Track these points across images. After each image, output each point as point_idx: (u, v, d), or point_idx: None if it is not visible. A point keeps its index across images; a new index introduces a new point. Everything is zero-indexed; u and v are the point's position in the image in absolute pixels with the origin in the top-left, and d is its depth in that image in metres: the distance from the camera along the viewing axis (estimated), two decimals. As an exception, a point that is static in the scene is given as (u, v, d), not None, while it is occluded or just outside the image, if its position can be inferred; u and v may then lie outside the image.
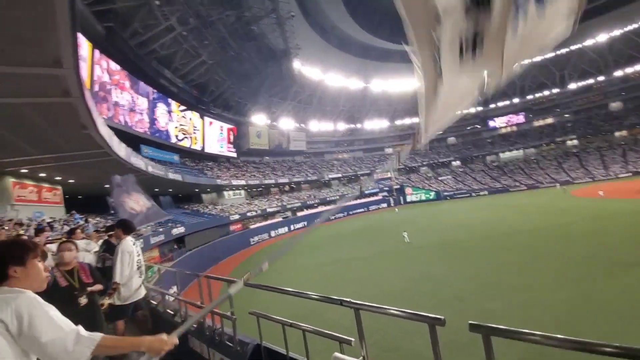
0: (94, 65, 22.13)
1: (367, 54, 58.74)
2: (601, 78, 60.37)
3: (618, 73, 58.35)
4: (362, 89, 63.75)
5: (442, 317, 1.59)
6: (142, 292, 4.15)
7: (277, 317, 2.77)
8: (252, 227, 38.95)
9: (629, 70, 57.26)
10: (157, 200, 30.43)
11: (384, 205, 59.56)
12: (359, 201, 58.16)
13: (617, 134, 58.23)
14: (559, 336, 1.19)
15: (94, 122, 10.36)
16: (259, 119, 51.33)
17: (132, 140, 26.03)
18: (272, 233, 40.33)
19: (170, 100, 33.29)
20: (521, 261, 15.80)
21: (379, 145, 75.73)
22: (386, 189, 63.69)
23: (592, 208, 27.76)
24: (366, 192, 62.01)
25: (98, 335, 1.49)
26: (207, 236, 29.59)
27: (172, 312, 4.35)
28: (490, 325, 1.37)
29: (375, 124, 73.57)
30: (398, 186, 64.11)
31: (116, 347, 1.60)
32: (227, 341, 3.35)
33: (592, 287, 11.47)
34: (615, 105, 61.03)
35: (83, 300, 3.10)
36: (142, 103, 28.90)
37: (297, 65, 45.88)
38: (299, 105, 59.68)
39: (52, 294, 2.68)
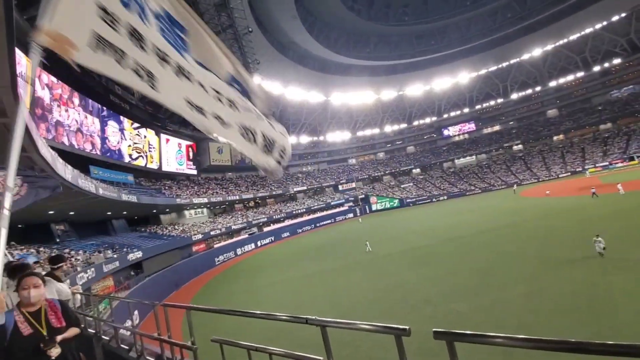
0: (34, 84, 20.49)
1: (326, 68, 60.28)
2: (538, 88, 66.79)
3: (552, 83, 64.98)
4: (322, 102, 64.96)
5: (407, 327, 1.58)
6: None
7: (242, 342, 2.61)
8: (216, 246, 37.48)
9: (562, 80, 64.06)
10: (111, 224, 28.38)
11: (351, 215, 60.30)
12: (325, 213, 58.39)
13: (555, 138, 64.34)
14: (519, 336, 1.22)
15: (34, 143, 9.48)
16: (219, 135, 50.22)
17: (81, 161, 24.15)
18: (239, 251, 39.10)
19: (122, 117, 31.53)
20: (481, 262, 16.65)
21: (342, 157, 77.12)
22: (351, 199, 64.65)
23: (540, 207, 30.13)
24: (332, 203, 62.49)
25: None
26: (167, 259, 27.94)
27: (126, 347, 3.97)
28: (453, 331, 1.37)
29: (338, 136, 75.02)
30: (363, 195, 65.38)
31: None
32: (189, 373, 3.10)
33: (544, 283, 12.33)
34: (551, 112, 67.68)
35: (54, 352, 2.33)
36: (91, 121, 27.05)
37: (257, 79, 45.82)
38: (260, 119, 59.34)
39: (11, 346, 2.19)
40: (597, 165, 52.01)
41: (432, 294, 13.58)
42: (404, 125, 77.26)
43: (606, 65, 59.31)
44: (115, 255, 21.40)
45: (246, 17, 34.72)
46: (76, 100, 24.66)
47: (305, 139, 70.71)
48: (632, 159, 49.35)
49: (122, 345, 4.13)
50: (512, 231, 22.25)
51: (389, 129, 77.28)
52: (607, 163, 51.39)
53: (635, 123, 55.50)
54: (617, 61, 58.38)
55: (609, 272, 11.93)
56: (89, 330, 5.27)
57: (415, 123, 77.00)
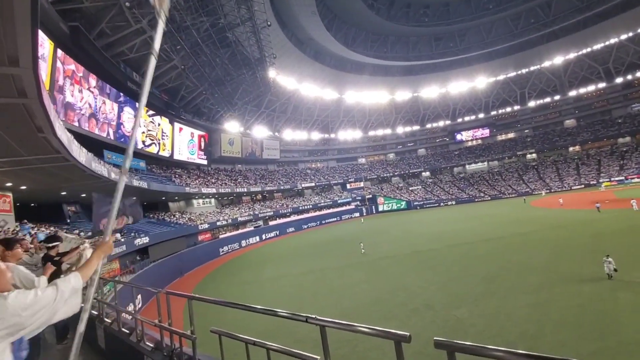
0: (55, 66, 20.84)
1: (342, 66, 59.86)
2: (557, 97, 65.22)
3: (572, 93, 63.36)
4: (336, 100, 64.69)
5: (408, 334, 1.56)
6: None
7: (241, 335, 2.63)
8: (221, 236, 37.88)
9: (582, 90, 62.38)
10: (121, 209, 28.84)
11: (357, 214, 60.18)
12: (331, 210, 58.40)
13: (571, 149, 62.88)
14: (521, 352, 1.19)
15: (51, 125, 9.68)
16: (231, 127, 50.54)
17: (95, 145, 24.59)
18: (243, 243, 39.45)
19: (137, 104, 32.03)
20: (486, 270, 16.42)
21: (352, 155, 76.86)
22: (359, 198, 64.46)
23: (550, 218, 29.55)
24: (339, 201, 62.41)
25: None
26: (173, 246, 28.36)
27: (127, 331, 4.04)
28: (454, 342, 1.36)
29: (349, 134, 74.74)
30: (370, 195, 65.12)
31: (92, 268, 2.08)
32: (187, 361, 3.14)
33: (550, 295, 12.11)
34: (569, 122, 66.07)
35: None
36: (108, 107, 27.52)
37: (272, 74, 45.82)
38: (273, 113, 59.51)
39: None
40: (612, 179, 50.70)
41: (434, 299, 13.48)
42: (416, 127, 76.49)
43: (629, 77, 57.51)
44: (122, 239, 21.80)
45: (265, 11, 34.57)
46: (92, 81, 24.96)
47: (316, 135, 70.63)
48: (650, 175, 47.97)
49: (123, 329, 4.20)
50: (519, 241, 21.89)
51: (401, 130, 76.64)
52: (622, 178, 50.06)
53: (656, 139, 53.88)
54: (641, 74, 56.61)
55: (616, 288, 11.65)
56: (92, 311, 5.39)
57: (428, 126, 76.14)
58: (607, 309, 10.36)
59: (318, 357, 2.01)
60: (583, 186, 52.74)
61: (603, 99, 61.92)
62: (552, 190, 54.47)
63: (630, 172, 50.61)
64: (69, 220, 22.23)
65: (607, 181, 50.31)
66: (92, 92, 25.10)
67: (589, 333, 9.13)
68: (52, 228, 17.32)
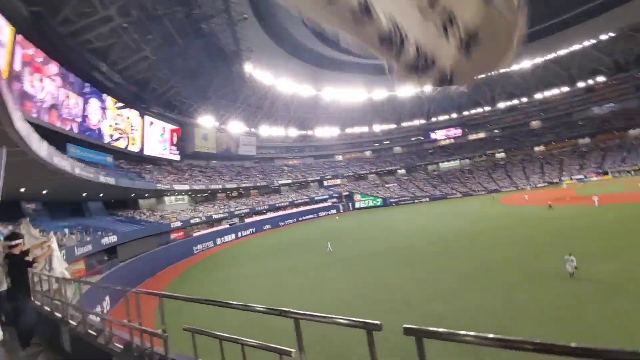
0: (14, 53, 19.42)
1: (320, 63, 59.80)
2: (524, 99, 68.52)
3: (538, 96, 66.80)
4: (314, 96, 64.59)
5: (379, 322, 1.59)
6: None
7: (214, 332, 2.57)
8: (195, 234, 36.97)
9: (547, 93, 65.94)
10: (86, 206, 27.49)
11: (334, 211, 60.58)
12: (308, 207, 58.45)
13: (536, 148, 66.38)
14: (488, 335, 1.24)
15: (8, 115, 9.04)
16: (206, 121, 49.28)
17: (58, 138, 23.23)
18: (218, 240, 38.71)
19: (104, 95, 30.43)
20: (460, 265, 17.05)
21: (329, 152, 77.17)
22: (335, 195, 64.90)
23: (518, 214, 31.07)
24: (316, 198, 62.56)
25: None
26: (143, 245, 27.33)
27: (94, 334, 3.85)
28: (423, 328, 1.39)
29: (326, 132, 74.94)
30: (347, 193, 65.72)
31: None
32: (158, 361, 3.03)
33: (518, 289, 12.74)
34: (535, 123, 69.68)
35: None
36: (72, 100, 25.98)
37: (248, 68, 45.06)
38: (249, 109, 58.56)
39: None
40: (573, 177, 54.04)
41: (412, 295, 13.82)
42: (392, 126, 77.89)
43: (590, 82, 61.38)
44: (88, 239, 20.78)
45: (242, 3, 33.96)
46: (54, 68, 23.46)
47: (293, 132, 70.28)
48: (606, 173, 51.54)
49: (89, 331, 4.00)
50: (489, 236, 22.87)
51: (377, 128, 77.77)
52: (582, 176, 53.47)
53: (612, 140, 57.90)
54: (601, 79, 60.50)
55: (578, 283, 12.42)
56: (56, 314, 5.10)
57: (404, 124, 77.74)
58: (572, 301, 11.04)
59: (293, 350, 2.01)
60: (547, 184, 55.83)
61: (566, 102, 65.73)
62: (536, 186, 56.65)
63: (589, 170, 54.17)
64: (28, 219, 20.85)
65: (568, 179, 53.57)
66: (54, 81, 23.58)
67: (555, 322, 9.73)
68: (9, 227, 16.22)
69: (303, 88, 60.45)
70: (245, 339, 2.27)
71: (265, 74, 52.08)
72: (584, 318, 9.74)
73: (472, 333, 1.30)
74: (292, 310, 1.96)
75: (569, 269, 12.89)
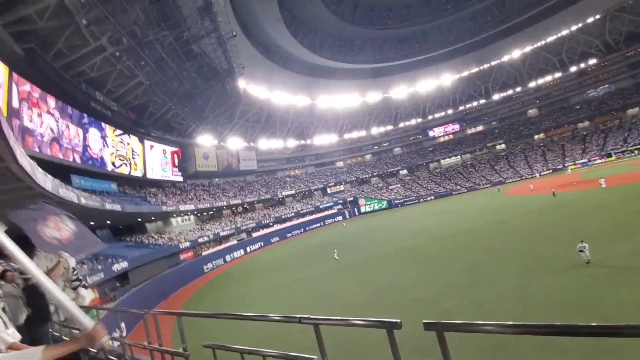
0: (11, 91, 19.77)
1: (312, 72, 60.40)
2: (518, 89, 68.64)
3: (532, 84, 66.88)
4: (309, 106, 65.04)
5: (398, 320, 1.61)
6: None
7: (235, 346, 2.59)
8: (204, 253, 36.93)
9: (541, 81, 66.02)
10: (95, 234, 27.53)
11: (340, 217, 60.39)
12: (314, 216, 58.32)
13: (536, 137, 66.18)
14: (506, 323, 1.25)
15: (12, 152, 9.21)
16: (205, 140, 49.65)
17: (61, 170, 23.47)
18: (228, 257, 38.63)
19: (104, 124, 30.81)
20: (469, 260, 16.92)
21: (329, 160, 77.31)
22: (340, 201, 64.78)
23: (523, 204, 30.85)
24: (321, 206, 62.48)
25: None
26: (154, 269, 27.33)
27: (114, 359, 3.86)
28: (442, 321, 1.41)
29: (325, 139, 75.20)
30: (351, 198, 65.61)
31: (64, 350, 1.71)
32: (181, 381, 3.04)
33: (529, 279, 12.62)
34: (532, 112, 69.63)
35: None
36: (72, 131, 26.32)
37: (242, 84, 45.50)
38: (246, 124, 59.00)
39: None
40: (576, 162, 53.71)
41: (423, 294, 13.71)
42: (390, 127, 78.09)
43: (582, 65, 61.46)
44: (99, 266, 20.82)
45: (230, 22, 34.45)
46: (51, 102, 23.80)
47: (292, 142, 70.59)
48: (609, 155, 51.20)
49: (110, 357, 4.01)
50: (497, 229, 22.71)
51: (375, 131, 77.98)
52: (586, 160, 53.15)
53: (611, 121, 57.69)
54: (592, 61, 60.58)
55: (592, 265, 12.29)
56: (74, 343, 5.10)
57: (401, 125, 77.93)
58: (586, 285, 10.90)
59: (315, 357, 2.02)
60: (551, 171, 55.50)
61: (560, 88, 65.76)
62: (541, 174, 56.32)
63: (592, 154, 53.85)
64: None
65: (572, 164, 53.22)
66: (52, 115, 23.92)
67: (572, 308, 9.59)
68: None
69: (298, 98, 60.92)
70: (266, 350, 2.28)
71: (259, 89, 52.60)
72: (600, 299, 9.61)
73: (491, 322, 1.32)
74: (310, 316, 1.97)
75: (583, 257, 12.44)
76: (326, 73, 62.17)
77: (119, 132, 33.10)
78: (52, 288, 1.87)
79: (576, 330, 1.11)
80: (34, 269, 1.87)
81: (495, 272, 14.23)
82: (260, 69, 49.87)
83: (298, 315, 2.04)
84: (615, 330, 1.07)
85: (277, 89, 55.68)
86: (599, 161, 51.34)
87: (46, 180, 13.69)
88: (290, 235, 50.37)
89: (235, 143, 56.89)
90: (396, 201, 63.22)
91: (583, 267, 12.32)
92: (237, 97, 45.40)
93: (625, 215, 18.04)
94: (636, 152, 48.36)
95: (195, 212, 43.29)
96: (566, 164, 54.05)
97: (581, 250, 12.50)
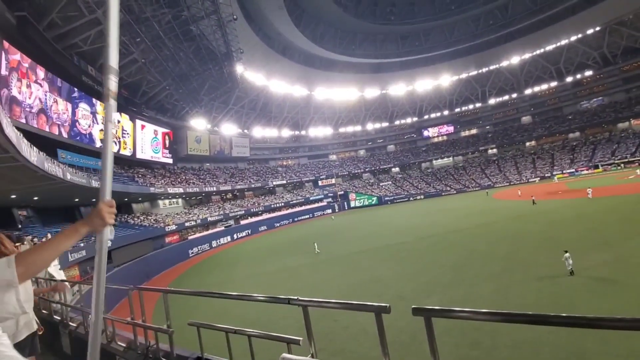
0: (0, 59, 19.11)
1: (311, 62, 59.84)
2: (514, 95, 69.36)
3: (528, 91, 67.66)
4: (306, 96, 64.61)
5: (387, 305, 1.66)
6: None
7: (220, 325, 2.61)
8: (190, 237, 36.75)
9: (537, 88, 66.80)
10: (79, 211, 27.18)
11: (329, 210, 60.66)
12: (304, 207, 58.45)
13: (527, 144, 67.21)
14: (485, 310, 1.31)
15: (-3, 121, 8.96)
16: (198, 124, 48.97)
17: (48, 144, 22.93)
18: (214, 243, 38.54)
19: (94, 100, 30.09)
20: (452, 260, 17.25)
21: (323, 152, 77.25)
22: (331, 194, 64.99)
23: (511, 209, 31.44)
24: (311, 198, 62.60)
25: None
26: (138, 250, 27.12)
27: (96, 333, 3.85)
28: (430, 307, 1.47)
29: (320, 131, 74.99)
30: (342, 192, 65.86)
31: (47, 250, 1.44)
32: (163, 357, 3.05)
33: (510, 282, 12.94)
34: (525, 119, 70.54)
35: None
36: (61, 106, 25.64)
37: (239, 69, 44.86)
38: (242, 110, 58.37)
39: None
40: (564, 171, 54.83)
41: (406, 290, 13.96)
42: (385, 124, 78.24)
43: (578, 76, 62.31)
44: (82, 244, 20.57)
45: (231, 4, 33.71)
46: (40, 73, 23.13)
47: (286, 132, 70.22)
48: (597, 167, 52.39)
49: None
50: (483, 231, 23.13)
51: (370, 127, 78.06)
52: (573, 170, 54.30)
53: (601, 133, 58.90)
54: (588, 73, 61.42)
55: (568, 273, 12.65)
56: (55, 317, 5.08)
57: (397, 122, 78.16)
58: (562, 291, 11.25)
59: (300, 339, 2.06)
60: (539, 179, 56.58)
61: (555, 97, 66.66)
62: (529, 180, 57.65)
63: (580, 164, 55.02)
64: (20, 226, 20.61)
65: (559, 173, 54.34)
66: (41, 86, 23.24)
67: (547, 311, 9.89)
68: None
69: (295, 88, 60.43)
70: (251, 330, 2.31)
71: (257, 75, 51.96)
72: (575, 305, 9.95)
73: (468, 309, 1.38)
74: (299, 298, 2.00)
75: (568, 267, 12.42)
76: (325, 65, 61.69)
77: (110, 109, 32.39)
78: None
79: (548, 319, 1.17)
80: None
81: (477, 273, 14.55)
82: (259, 55, 49.20)
83: (287, 297, 2.07)
84: (585, 322, 1.13)
85: (275, 77, 55.10)
86: (585, 172, 52.52)
87: (31, 153, 13.37)
88: (278, 225, 50.45)
89: (229, 129, 56.31)
90: (386, 198, 63.73)
91: (561, 274, 12.67)
92: (234, 82, 44.81)
93: (607, 226, 18.58)
94: (622, 165, 49.60)
95: (184, 196, 42.94)
96: (554, 173, 55.15)
97: (567, 260, 12.49)
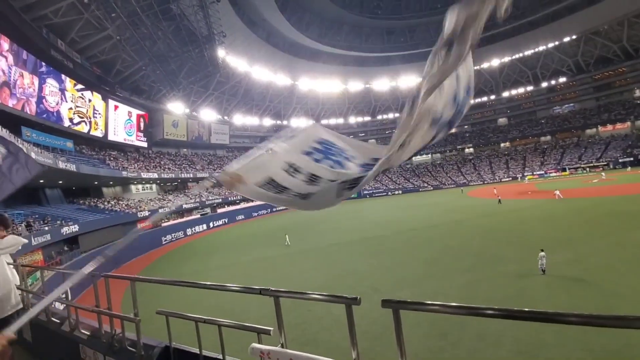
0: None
1: (296, 51, 58.98)
2: (493, 97, 71.45)
3: (505, 94, 69.84)
4: (289, 86, 63.82)
5: (358, 297, 1.67)
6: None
7: (190, 315, 2.56)
8: (164, 224, 35.80)
9: (514, 92, 69.07)
10: (44, 194, 25.82)
11: (307, 202, 60.64)
12: (282, 198, 58.15)
13: (502, 145, 69.72)
14: (453, 304, 1.34)
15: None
16: (176, 107, 47.34)
17: (11, 121, 21.54)
18: (189, 231, 37.78)
19: (63, 76, 28.37)
20: (428, 254, 17.77)
21: (304, 143, 76.78)
22: (310, 186, 64.93)
23: (483, 207, 32.65)
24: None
25: None
26: (107, 236, 26.12)
27: (57, 321, 3.69)
28: (398, 300, 1.49)
29: (302, 122, 74.35)
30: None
31: None
32: (129, 347, 2.96)
33: (479, 277, 13.51)
34: (502, 120, 73.00)
35: None
36: (27, 80, 23.98)
37: (221, 53, 43.56)
38: (222, 96, 56.90)
39: None
40: (534, 173, 57.41)
41: (380, 283, 14.27)
42: (368, 118, 78.70)
43: (553, 82, 64.96)
44: (46, 228, 19.61)
45: (214, -15, 32.65)
46: (4, 45, 21.57)
47: (268, 121, 69.27)
48: (564, 170, 55.20)
49: (53, 319, 3.83)
50: (456, 227, 23.92)
51: (353, 120, 78.34)
52: (543, 172, 56.95)
53: (570, 138, 61.94)
54: (562, 80, 64.12)
55: (534, 270, 13.31)
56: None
57: (379, 117, 78.80)
58: (526, 287, 11.87)
59: (271, 329, 2.05)
60: (510, 179, 58.99)
61: (530, 101, 69.31)
62: (501, 180, 59.89)
63: (549, 167, 57.76)
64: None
65: (530, 174, 56.85)
66: (5, 58, 21.70)
67: (513, 305, 10.41)
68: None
69: (278, 77, 59.51)
70: (221, 320, 2.27)
71: (239, 61, 50.69)
72: (536, 300, 10.55)
73: (438, 302, 1.41)
74: (271, 288, 1.99)
75: (540, 266, 12.59)
76: (310, 54, 61.02)
77: (80, 86, 30.75)
78: None
79: (513, 314, 1.21)
80: None
81: (449, 267, 15.09)
82: (242, 40, 47.95)
83: (258, 287, 2.05)
84: (545, 316, 1.18)
85: (258, 63, 53.95)
86: (554, 174, 55.22)
87: (-8, 129, 12.50)
88: (256, 214, 50.08)
89: (208, 115, 54.86)
90: (365, 192, 64.48)
91: (525, 271, 13.33)
92: (215, 67, 43.48)
93: (573, 226, 19.68)
94: (588, 169, 52.49)
95: (158, 182, 41.66)
96: (525, 174, 57.64)
97: (541, 259, 12.66)
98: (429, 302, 1.40)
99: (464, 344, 8.46)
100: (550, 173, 56.00)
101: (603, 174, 44.23)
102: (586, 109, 62.45)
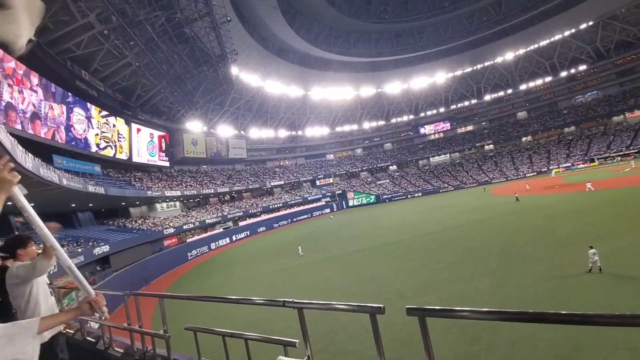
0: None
1: (306, 62, 59.80)
2: (509, 91, 69.58)
3: (523, 87, 67.88)
4: (302, 97, 64.53)
5: (382, 306, 1.64)
6: None
7: (217, 329, 2.59)
8: (189, 240, 36.64)
9: (531, 84, 67.02)
10: (76, 217, 27.00)
11: (327, 210, 60.64)
12: (302, 208, 58.41)
13: (523, 139, 67.46)
14: (482, 309, 1.29)
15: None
16: (194, 126, 48.80)
17: (43, 150, 22.77)
18: (213, 245, 38.45)
19: (89, 105, 29.89)
20: (451, 256, 17.28)
21: (320, 152, 77.21)
22: (329, 194, 64.98)
23: (507, 205, 31.53)
24: (309, 198, 62.56)
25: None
26: (136, 254, 27.01)
27: (92, 340, 3.82)
28: (424, 307, 1.45)
29: (316, 131, 74.95)
30: (340, 191, 65.85)
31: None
32: (160, 363, 3.03)
33: (508, 276, 12.99)
34: (521, 114, 70.81)
35: None
36: (57, 110, 25.45)
37: (234, 70, 44.74)
38: (237, 112, 58.21)
39: None
40: (560, 166, 55.05)
41: (404, 288, 13.97)
42: (382, 123, 78.30)
43: (572, 71, 62.59)
44: (79, 249, 20.44)
45: (224, 5, 33.60)
46: (34, 80, 22.97)
47: (283, 133, 70.13)
48: (592, 160, 52.64)
49: (88, 338, 3.97)
50: (479, 227, 23.19)
51: (367, 125, 78.10)
52: (569, 164, 54.54)
53: (596, 127, 59.20)
54: (582, 68, 61.71)
55: (563, 267, 12.69)
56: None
57: (393, 120, 78.24)
58: (559, 286, 11.29)
59: (297, 341, 2.04)
60: (535, 173, 56.79)
61: (550, 92, 66.95)
62: (528, 176, 57.92)
63: (575, 158, 55.25)
64: (17, 232, 20.42)
65: (556, 168, 54.53)
66: (35, 92, 23.07)
67: (545, 308, 9.92)
68: (-3, 241, 15.83)
69: (291, 89, 60.31)
70: (248, 334, 2.29)
71: (252, 77, 51.81)
72: (571, 298, 9.99)
73: (468, 308, 1.36)
74: (294, 300, 1.98)
75: (590, 264, 11.74)
76: (321, 64, 61.68)
77: (104, 113, 32.24)
78: (64, 253, 1.93)
79: (546, 317, 1.15)
80: (49, 234, 1.94)
81: (475, 269, 14.59)
82: (254, 56, 49.13)
83: (282, 299, 2.05)
84: (583, 319, 1.11)
85: (270, 78, 54.96)
86: (582, 165, 52.77)
87: (26, 159, 13.28)
88: (277, 225, 50.39)
89: (225, 131, 56.16)
90: (384, 196, 63.79)
91: (556, 269, 12.69)
92: (229, 84, 44.67)
93: (604, 219, 18.66)
94: (618, 158, 49.86)
95: (181, 199, 42.79)
96: (551, 167, 55.36)
97: (592, 256, 11.78)
98: (456, 308, 1.36)
99: (498, 349, 8.10)
100: (577, 165, 53.53)
101: (633, 162, 41.83)
102: (610, 96, 59.65)
